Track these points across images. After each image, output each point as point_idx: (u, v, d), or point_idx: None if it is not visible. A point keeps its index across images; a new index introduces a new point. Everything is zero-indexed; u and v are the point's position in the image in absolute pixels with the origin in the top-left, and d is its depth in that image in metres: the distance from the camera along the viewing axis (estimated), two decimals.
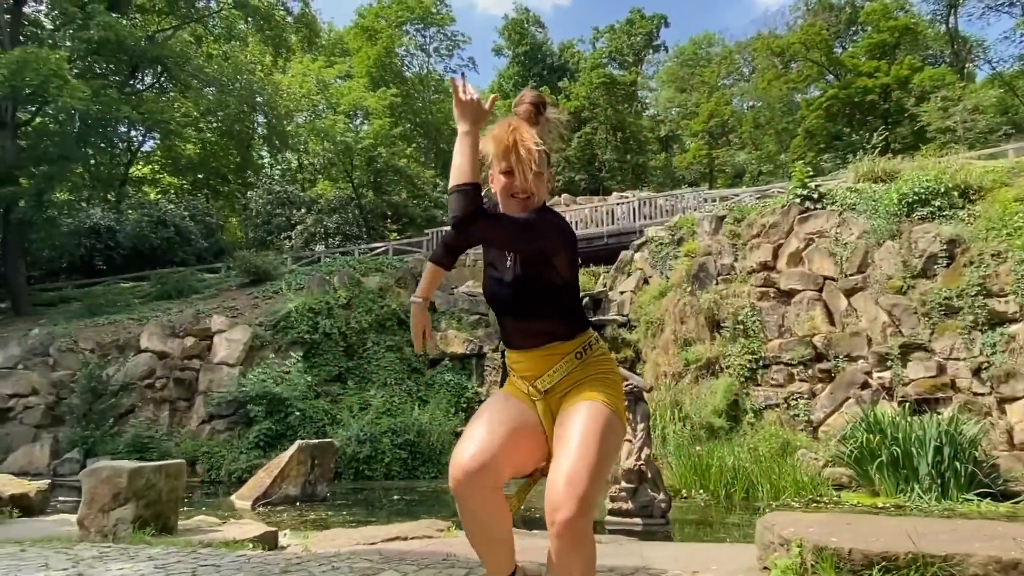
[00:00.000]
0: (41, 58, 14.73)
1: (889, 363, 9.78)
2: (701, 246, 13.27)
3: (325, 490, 8.51)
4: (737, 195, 16.97)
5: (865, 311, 10.53)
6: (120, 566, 2.49)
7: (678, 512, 6.84)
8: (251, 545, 2.96)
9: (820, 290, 11.28)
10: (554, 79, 32.27)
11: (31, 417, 14.08)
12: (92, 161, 22.03)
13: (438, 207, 23.84)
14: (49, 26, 21.14)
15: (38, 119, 19.53)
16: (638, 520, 5.98)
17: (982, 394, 8.68)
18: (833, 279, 11.13)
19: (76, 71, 17.80)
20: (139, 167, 27.59)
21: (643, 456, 6.07)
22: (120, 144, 24.96)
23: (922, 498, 7.43)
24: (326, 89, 24.78)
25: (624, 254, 15.27)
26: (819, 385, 10.59)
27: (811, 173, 12.62)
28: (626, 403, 6.30)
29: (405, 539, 3.14)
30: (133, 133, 24.50)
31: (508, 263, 1.83)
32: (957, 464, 7.46)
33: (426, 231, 20.46)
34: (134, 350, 14.36)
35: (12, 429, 13.95)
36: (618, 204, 18.98)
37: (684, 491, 8.43)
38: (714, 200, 17.11)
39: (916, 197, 10.48)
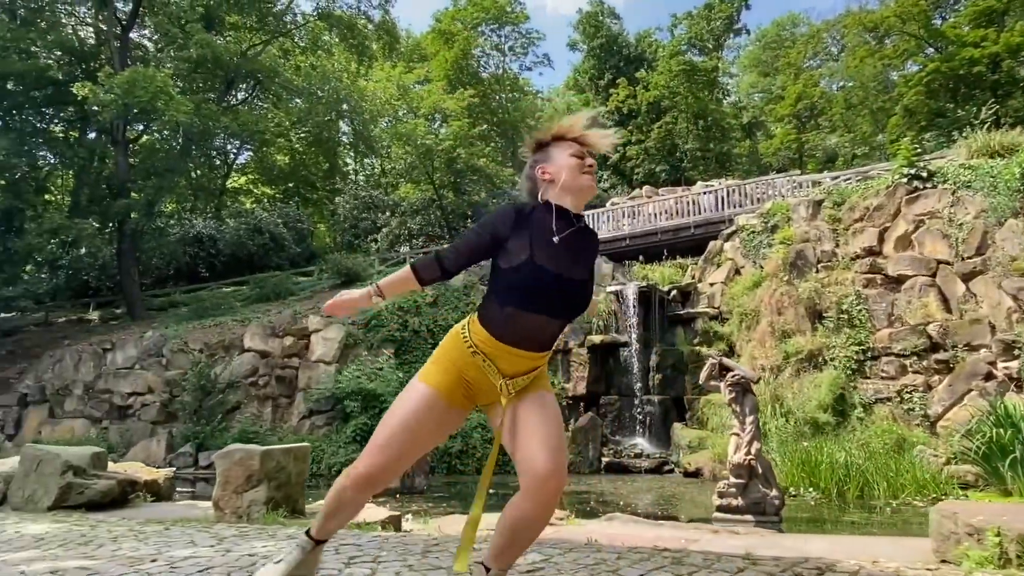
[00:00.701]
0: (148, 77, 15.77)
1: (1017, 351, 9.01)
2: (798, 232, 12.66)
3: (423, 483, 8.65)
4: (835, 178, 16.07)
5: (987, 296, 9.76)
6: (263, 544, 2.57)
7: (788, 510, 6.51)
8: (379, 527, 3.00)
9: (933, 275, 10.54)
10: (631, 70, 31.68)
11: (148, 414, 15.08)
12: (194, 174, 23.40)
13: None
14: (152, 48, 22.64)
15: (145, 136, 20.93)
16: (749, 517, 5.73)
17: None
18: (948, 263, 10.37)
19: (178, 88, 18.95)
20: (235, 178, 29.11)
21: (753, 450, 5.81)
22: (218, 157, 26.42)
23: None
24: (406, 94, 25.33)
25: (713, 244, 14.78)
26: (935, 377, 9.89)
27: (919, 150, 11.78)
28: (734, 394, 6.06)
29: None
30: (229, 146, 25.87)
31: (568, 260, 1.77)
32: None
33: None
34: (238, 350, 15.12)
35: (131, 425, 14.99)
36: (704, 193, 18.40)
37: (792, 489, 8.03)
38: (807, 185, 16.29)
39: None
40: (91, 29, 21.26)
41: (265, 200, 28.54)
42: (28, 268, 20.85)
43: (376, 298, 1.92)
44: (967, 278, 10.07)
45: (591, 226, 1.94)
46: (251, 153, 26.32)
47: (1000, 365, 9.16)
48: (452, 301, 15.32)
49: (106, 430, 15.15)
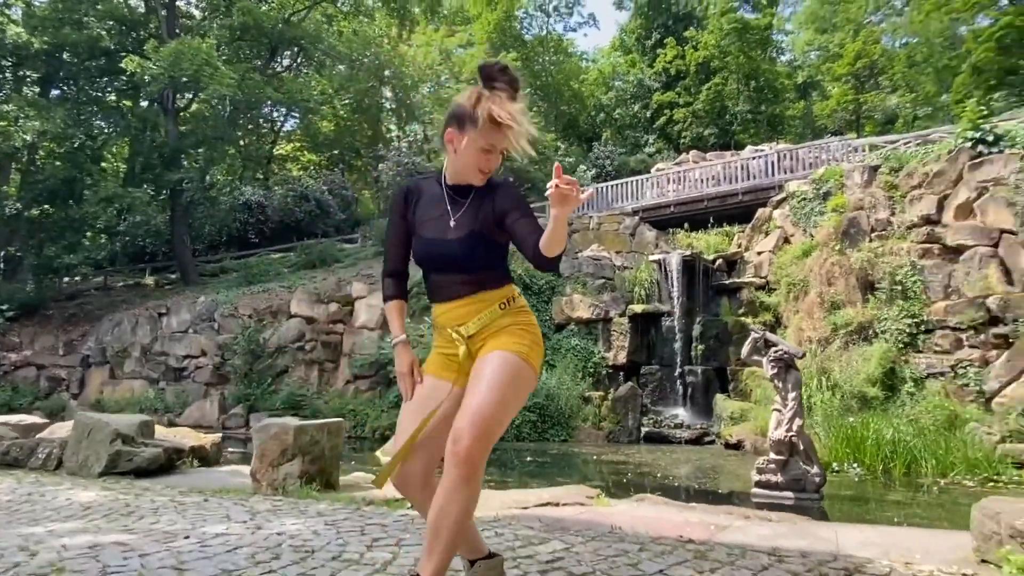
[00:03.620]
0: (193, 48, 15.98)
1: None
2: (851, 200, 12.17)
3: None
4: (893, 142, 15.33)
5: None
6: (293, 521, 2.64)
7: (830, 487, 6.38)
8: (408, 504, 3.06)
9: (995, 245, 10.01)
10: (680, 29, 30.58)
11: (201, 376, 15.69)
12: (242, 142, 23.81)
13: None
14: (198, 16, 22.89)
15: (194, 105, 21.31)
16: (788, 494, 5.63)
17: None
18: (1012, 232, 9.83)
19: (223, 57, 19.17)
20: (282, 146, 29.51)
21: (794, 427, 5.68)
22: (264, 125, 26.77)
23: None
24: (449, 59, 25.05)
25: (761, 211, 14.34)
26: (993, 352, 9.46)
27: (984, 112, 11.10)
28: (776, 370, 5.91)
29: (557, 505, 3.11)
30: (275, 114, 26.16)
31: (452, 222, 1.90)
32: None
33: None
34: (285, 315, 15.52)
35: (187, 386, 15.63)
36: (753, 158, 17.80)
37: (835, 464, 7.87)
38: (863, 149, 15.58)
39: None
40: None
41: (311, 167, 28.90)
42: (88, 235, 21.69)
43: (407, 343, 2.07)
44: None
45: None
46: (296, 120, 26.59)
47: None
48: None
49: (163, 391, 15.84)
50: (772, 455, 5.80)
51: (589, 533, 2.52)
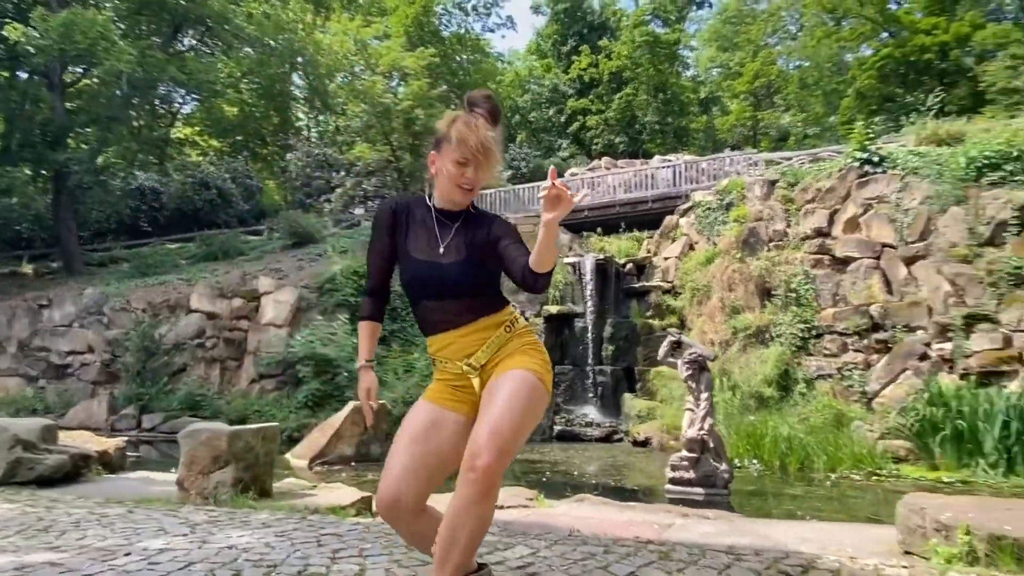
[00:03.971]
0: (88, 20, 14.78)
1: (951, 334, 9.48)
2: (752, 211, 12.93)
3: (379, 450, 8.64)
4: (788, 158, 16.42)
5: (926, 280, 10.19)
6: (239, 533, 2.50)
7: (734, 482, 6.78)
8: (354, 511, 2.98)
9: (878, 258, 10.94)
10: (594, 38, 31.40)
11: (88, 374, 14.57)
12: (136, 123, 22.25)
13: None
14: None
15: (84, 81, 19.69)
16: (700, 490, 5.94)
17: None
18: (892, 247, 10.77)
19: (120, 31, 17.83)
20: (180, 129, 27.81)
21: (706, 426, 6.00)
22: (162, 106, 25.12)
23: (987, 473, 7.24)
24: (364, 49, 24.50)
25: (669, 219, 14.98)
26: (875, 356, 10.34)
27: (871, 135, 12.11)
28: (690, 372, 6.21)
29: (502, 507, 3.13)
30: (175, 95, 24.61)
31: (442, 248, 1.88)
32: None
33: None
34: (184, 310, 14.67)
35: (71, 385, 14.46)
36: (661, 167, 18.57)
37: (737, 460, 8.35)
38: (761, 164, 16.60)
39: (986, 161, 10.00)
40: None
41: (212, 154, 27.41)
42: None
43: (372, 366, 2.05)
44: (909, 262, 10.49)
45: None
46: (197, 103, 25.13)
47: (935, 346, 9.63)
48: None
49: (43, 389, 14.58)
50: (685, 452, 6.10)
51: (550, 537, 2.57)
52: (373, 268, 2.01)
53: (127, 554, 2.20)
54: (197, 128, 27.79)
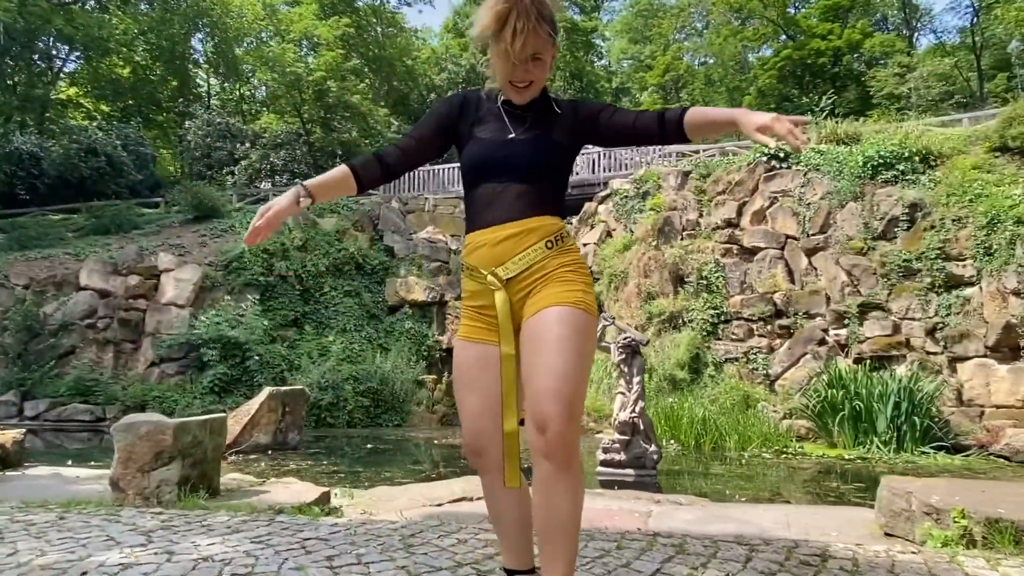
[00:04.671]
0: None
1: (846, 321, 10.21)
2: (667, 200, 13.35)
3: (296, 438, 8.32)
4: (696, 151, 17.07)
5: (825, 270, 10.91)
6: (207, 541, 2.22)
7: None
8: (319, 510, 2.77)
9: (782, 248, 11.59)
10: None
11: None
12: (12, 80, 20.09)
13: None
14: None
15: None
16: (630, 471, 6.10)
17: (935, 353, 9.20)
18: (795, 238, 11.44)
19: None
20: (62, 89, 25.38)
21: (637, 409, 6.16)
22: (40, 62, 22.81)
23: (881, 450, 7.89)
24: (274, 14, 23.23)
25: (588, 206, 15.23)
26: (778, 341, 10.99)
27: None
28: (623, 356, 6.35)
29: (471, 500, 3.05)
30: (54, 51, 22.39)
31: (513, 132, 1.70)
32: (915, 419, 7.92)
33: None
34: (73, 287, 13.48)
35: None
36: (580, 154, 18.84)
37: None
38: (675, 155, 17.17)
39: (881, 160, 10.78)
40: None
41: (100, 118, 25.22)
42: None
43: (304, 199, 1.69)
44: (810, 253, 11.18)
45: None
46: (83, 62, 22.97)
47: (832, 332, 10.35)
48: (323, 246, 14.61)
49: None
50: (617, 435, 6.24)
51: None
52: (407, 149, 1.79)
53: (84, 573, 1.90)
54: (83, 89, 25.47)
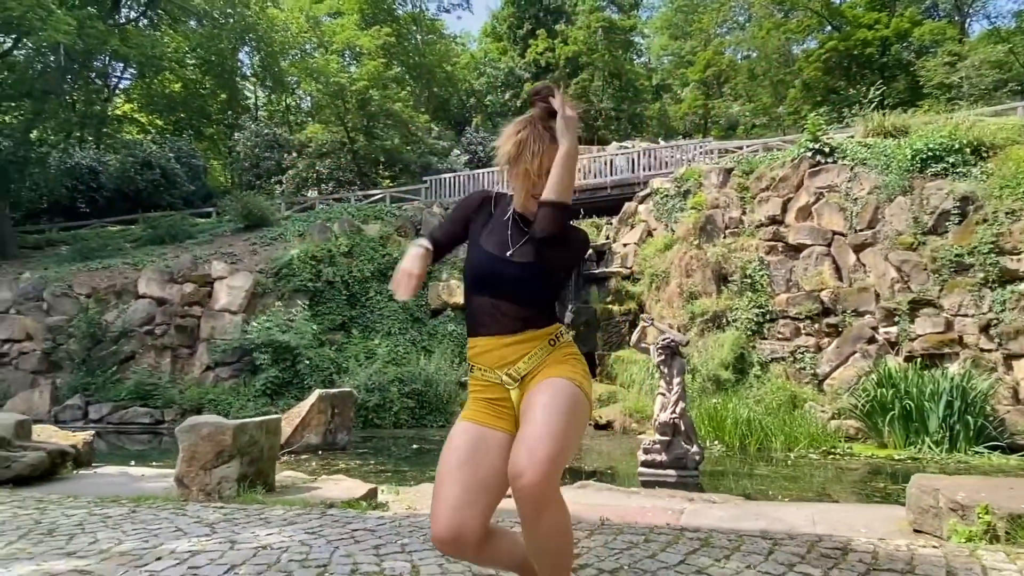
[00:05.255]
0: None
1: (896, 318, 9.97)
2: (708, 199, 13.23)
3: (345, 439, 8.56)
4: (739, 147, 16.84)
5: (874, 267, 10.66)
6: (266, 532, 2.43)
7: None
8: (367, 505, 2.94)
9: (829, 245, 11.37)
10: (550, 22, 31.32)
11: (27, 363, 13.88)
12: (71, 98, 21.09)
13: (433, 154, 23.34)
14: None
15: (15, 52, 18.52)
16: (672, 472, 6.11)
17: (989, 350, 8.91)
18: (842, 234, 11.22)
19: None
20: (118, 105, 26.51)
21: (678, 409, 6.17)
22: (97, 80, 23.87)
23: (932, 450, 7.69)
24: (317, 26, 23.79)
25: (628, 206, 15.19)
26: (825, 339, 10.79)
27: (823, 126, 12.52)
28: (663, 356, 6.36)
29: (508, 496, 3.14)
30: (110, 69, 23.39)
31: (511, 241, 1.83)
32: (968, 418, 7.70)
33: (424, 178, 20.06)
34: (132, 296, 14.11)
35: (8, 375, 13.75)
36: (618, 154, 18.77)
37: (699, 442, 8.62)
38: (717, 152, 16.97)
39: (930, 153, 10.49)
40: None
41: (154, 132, 26.26)
42: None
43: (428, 251, 1.89)
44: (858, 249, 10.94)
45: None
46: (137, 79, 23.94)
47: (881, 330, 10.12)
48: (368, 252, 14.96)
49: None
50: (657, 436, 6.26)
51: (582, 526, 2.60)
52: (443, 237, 1.94)
53: (159, 559, 2.11)
54: (137, 105, 26.55)
